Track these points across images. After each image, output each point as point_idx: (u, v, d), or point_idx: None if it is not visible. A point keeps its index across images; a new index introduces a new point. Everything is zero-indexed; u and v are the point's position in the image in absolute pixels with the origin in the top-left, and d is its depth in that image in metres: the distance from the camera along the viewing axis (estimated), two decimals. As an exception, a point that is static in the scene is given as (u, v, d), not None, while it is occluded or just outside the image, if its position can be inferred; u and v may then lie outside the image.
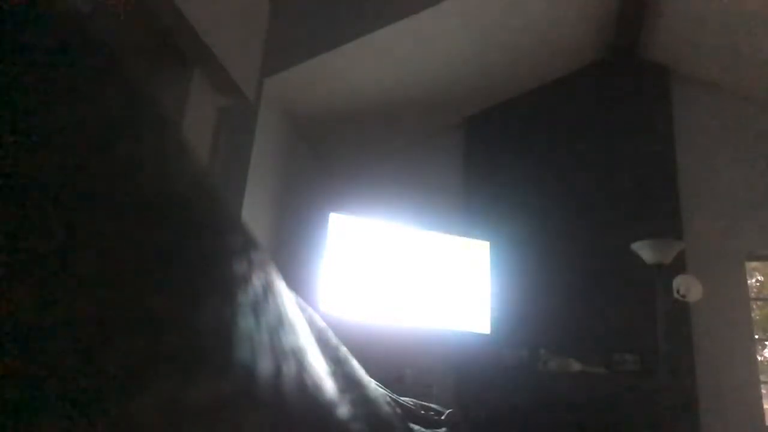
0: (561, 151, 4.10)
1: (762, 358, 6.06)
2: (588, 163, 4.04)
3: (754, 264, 4.69)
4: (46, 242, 0.17)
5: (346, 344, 0.43)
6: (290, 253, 3.27)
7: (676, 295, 3.06)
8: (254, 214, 2.80)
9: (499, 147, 4.17)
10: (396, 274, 3.20)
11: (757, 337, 4.71)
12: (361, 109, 3.54)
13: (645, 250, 2.96)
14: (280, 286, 0.30)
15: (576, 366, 3.47)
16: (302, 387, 0.27)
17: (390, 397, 0.53)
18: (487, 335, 3.37)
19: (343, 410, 0.32)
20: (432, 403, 0.72)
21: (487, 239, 3.54)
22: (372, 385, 0.42)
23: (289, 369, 0.26)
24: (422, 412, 0.65)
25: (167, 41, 2.31)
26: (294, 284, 0.34)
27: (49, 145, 0.18)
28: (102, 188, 0.19)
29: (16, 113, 0.17)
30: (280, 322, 0.27)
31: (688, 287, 3.02)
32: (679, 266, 3.44)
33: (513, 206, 3.98)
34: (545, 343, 3.61)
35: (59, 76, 0.19)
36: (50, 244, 0.17)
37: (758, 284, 6.68)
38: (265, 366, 0.24)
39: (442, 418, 0.68)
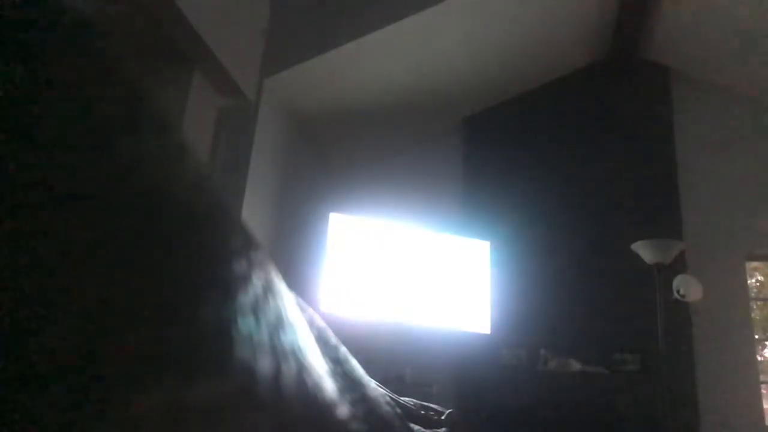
0: (561, 151, 4.10)
1: (762, 358, 6.06)
2: (588, 163, 4.04)
3: (754, 264, 4.69)
4: (45, 242, 0.17)
5: (346, 344, 0.43)
6: (290, 253, 3.27)
7: (676, 295, 3.06)
8: (254, 214, 2.80)
9: (499, 147, 4.17)
10: (396, 274, 3.20)
11: (757, 337, 4.71)
12: (361, 109, 3.54)
13: (645, 250, 2.96)
14: (280, 286, 0.30)
15: (576, 366, 3.47)
16: (302, 387, 0.27)
17: (390, 396, 0.53)
18: (487, 335, 3.37)
19: (343, 410, 0.32)
20: (432, 403, 0.72)
21: (487, 239, 3.54)
22: (372, 384, 0.43)
23: (289, 369, 0.26)
24: (422, 412, 0.65)
25: (167, 41, 2.31)
26: (294, 284, 0.34)
27: (48, 144, 0.18)
28: (102, 188, 0.19)
29: (15, 113, 0.17)
30: (280, 322, 0.27)
31: (688, 287, 3.02)
32: (679, 266, 3.44)
33: (513, 206, 3.98)
34: (545, 343, 3.61)
35: (59, 76, 0.19)
36: (49, 243, 0.17)
37: (758, 284, 6.68)
38: (265, 366, 0.24)
39: (442, 418, 0.68)
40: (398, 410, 0.51)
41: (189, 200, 0.23)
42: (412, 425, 0.55)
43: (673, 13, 3.62)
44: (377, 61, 3.17)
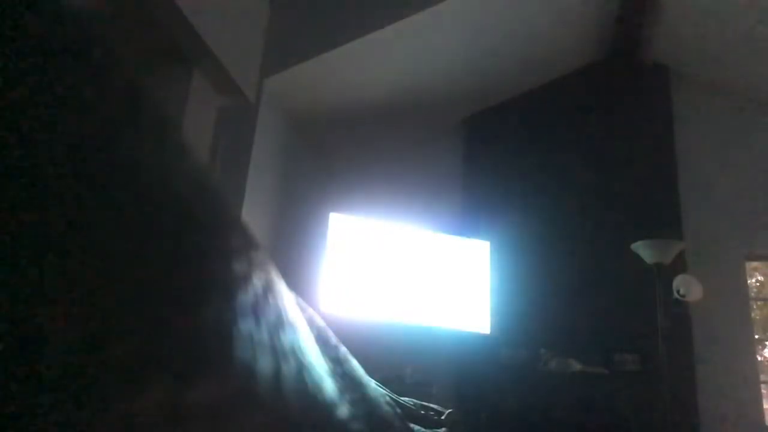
0: (561, 151, 4.10)
1: (762, 358, 6.06)
2: (588, 163, 4.04)
3: (754, 264, 4.69)
4: (46, 242, 0.17)
5: (346, 344, 0.43)
6: (290, 253, 3.27)
7: (676, 295, 3.06)
8: (254, 214, 2.80)
9: (499, 147, 4.17)
10: (396, 274, 3.20)
11: (757, 337, 4.71)
12: (361, 109, 3.54)
13: (645, 250, 2.96)
14: (280, 286, 0.30)
15: (576, 366, 3.46)
16: (302, 387, 0.27)
17: (390, 396, 0.53)
18: (487, 335, 3.37)
19: (343, 410, 0.32)
20: (432, 403, 0.72)
21: (487, 239, 3.54)
22: (372, 384, 0.43)
23: (289, 369, 0.26)
24: (422, 412, 0.65)
25: (167, 41, 2.30)
26: (294, 284, 0.34)
27: (49, 145, 0.18)
28: (102, 188, 0.19)
29: (17, 113, 0.17)
30: (280, 322, 0.27)
31: (688, 287, 3.02)
32: (679, 266, 3.44)
33: (513, 206, 3.98)
34: (545, 343, 3.61)
35: (60, 76, 0.19)
36: (50, 244, 0.17)
37: (758, 284, 6.68)
38: (265, 366, 0.24)
39: (442, 418, 0.68)
40: (398, 410, 0.51)
41: (189, 200, 0.23)
42: (412, 425, 0.55)
43: (673, 13, 3.62)
44: (377, 61, 3.16)
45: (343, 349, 0.41)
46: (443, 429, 0.64)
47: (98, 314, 0.17)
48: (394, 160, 4.21)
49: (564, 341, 3.62)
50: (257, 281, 0.26)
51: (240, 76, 2.65)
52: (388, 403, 0.43)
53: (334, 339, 0.41)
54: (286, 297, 0.30)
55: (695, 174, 3.96)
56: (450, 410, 0.70)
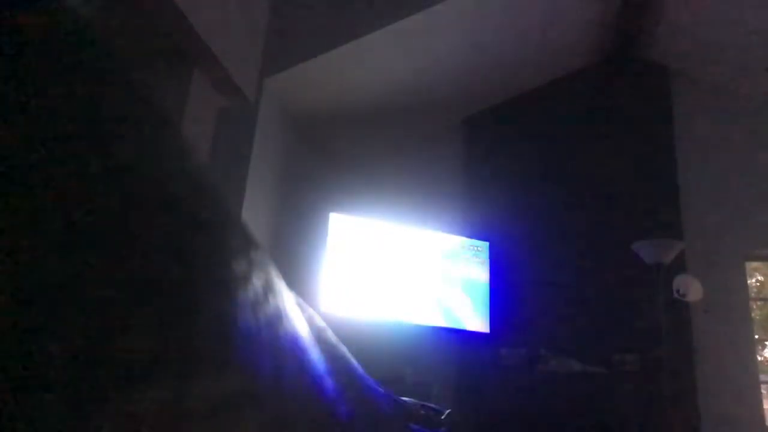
0: (561, 151, 4.10)
1: (762, 358, 6.07)
2: (588, 163, 4.03)
3: (754, 264, 4.69)
4: (44, 241, 0.17)
5: (346, 344, 0.43)
6: (290, 253, 3.27)
7: (676, 295, 3.06)
8: (254, 214, 2.80)
9: (500, 147, 4.17)
10: (396, 274, 3.20)
11: (757, 337, 4.71)
12: (362, 109, 3.54)
13: (645, 250, 2.96)
14: (280, 285, 0.30)
15: (576, 366, 3.47)
16: (302, 386, 0.27)
17: (389, 396, 0.53)
18: (487, 335, 3.37)
19: (343, 409, 0.32)
20: (432, 403, 0.72)
21: (487, 239, 3.54)
22: (372, 384, 0.43)
23: (288, 368, 0.26)
24: (422, 412, 0.65)
25: (167, 41, 2.31)
26: (294, 284, 0.34)
27: (47, 144, 0.18)
28: (101, 188, 0.19)
29: (15, 112, 0.17)
30: (279, 322, 0.27)
31: (688, 287, 3.02)
32: (679, 266, 3.44)
33: (513, 206, 3.98)
34: (545, 343, 3.61)
35: (59, 75, 0.19)
36: (49, 243, 0.17)
37: (758, 284, 6.69)
38: (265, 365, 0.24)
39: (442, 418, 0.68)
40: (398, 410, 0.51)
41: (189, 200, 0.23)
42: (411, 425, 0.55)
43: (673, 13, 3.62)
44: (377, 61, 3.16)
45: (343, 349, 0.41)
46: (443, 429, 0.64)
47: (97, 314, 0.17)
48: (394, 160, 4.21)
49: (564, 341, 3.62)
50: (257, 281, 0.26)
51: (240, 76, 2.65)
52: (387, 403, 0.43)
53: (333, 339, 0.41)
54: (286, 297, 0.30)
55: (695, 174, 3.96)
56: (450, 410, 0.70)
